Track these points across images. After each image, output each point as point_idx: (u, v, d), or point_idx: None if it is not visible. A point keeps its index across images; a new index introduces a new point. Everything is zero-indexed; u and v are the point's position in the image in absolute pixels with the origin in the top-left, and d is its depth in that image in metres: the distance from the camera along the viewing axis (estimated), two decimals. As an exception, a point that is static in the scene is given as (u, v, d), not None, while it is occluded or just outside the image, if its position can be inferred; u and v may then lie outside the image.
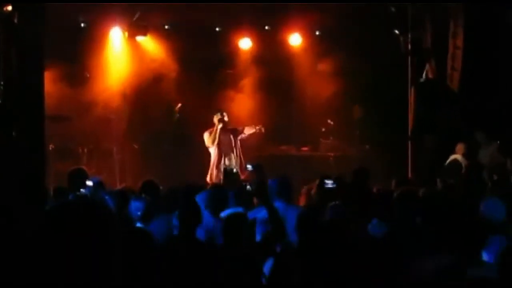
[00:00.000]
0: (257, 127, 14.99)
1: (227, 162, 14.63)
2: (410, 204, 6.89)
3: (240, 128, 14.95)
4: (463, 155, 13.16)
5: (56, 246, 3.21)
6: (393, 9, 15.61)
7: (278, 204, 8.12)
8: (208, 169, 14.74)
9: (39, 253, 3.25)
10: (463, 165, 12.22)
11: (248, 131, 14.96)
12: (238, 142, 14.85)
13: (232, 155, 14.72)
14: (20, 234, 4.04)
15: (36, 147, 11.75)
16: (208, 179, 14.42)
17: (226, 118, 14.69)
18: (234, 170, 14.15)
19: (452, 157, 13.16)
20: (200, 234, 7.12)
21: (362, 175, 10.29)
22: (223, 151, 14.69)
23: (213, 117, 14.73)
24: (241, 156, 14.74)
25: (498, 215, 7.16)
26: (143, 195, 8.98)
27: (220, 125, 14.56)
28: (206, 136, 14.70)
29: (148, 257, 5.36)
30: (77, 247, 3.18)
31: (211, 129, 14.73)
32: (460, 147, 13.39)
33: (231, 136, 14.78)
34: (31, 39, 12.35)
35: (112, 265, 3.26)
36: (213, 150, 14.71)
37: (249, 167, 12.22)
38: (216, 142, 14.62)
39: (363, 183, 9.92)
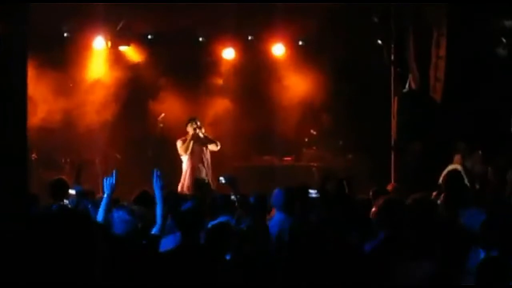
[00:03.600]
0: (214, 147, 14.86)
1: (197, 173, 14.59)
2: (396, 213, 6.92)
3: (215, 142, 14.83)
4: (462, 165, 13.12)
5: (39, 254, 3.19)
6: (376, 19, 15.66)
7: (280, 216, 8.17)
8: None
9: (21, 259, 3.23)
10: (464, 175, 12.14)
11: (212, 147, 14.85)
12: (208, 152, 14.82)
13: (202, 165, 14.68)
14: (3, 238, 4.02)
15: (19, 155, 11.69)
16: (179, 188, 14.35)
17: (202, 129, 14.67)
18: (206, 180, 14.14)
19: (451, 167, 13.05)
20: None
21: (344, 185, 10.30)
22: (194, 161, 14.66)
23: (186, 125, 14.76)
24: (210, 167, 14.70)
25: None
26: (125, 204, 8.91)
27: (194, 133, 14.56)
28: (179, 144, 14.72)
29: (128, 263, 5.35)
30: (59, 256, 3.18)
31: (184, 138, 14.75)
32: (458, 158, 13.35)
33: (203, 147, 14.76)
34: (15, 49, 12.30)
35: (94, 273, 3.26)
36: (185, 160, 14.70)
37: (221, 179, 12.18)
38: (189, 151, 14.62)
39: (345, 192, 9.94)
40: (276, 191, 8.92)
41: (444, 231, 6.33)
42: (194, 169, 14.60)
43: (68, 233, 3.25)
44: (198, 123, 14.76)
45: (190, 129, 14.70)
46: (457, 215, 7.61)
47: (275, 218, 8.50)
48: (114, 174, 7.88)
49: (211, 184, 13.79)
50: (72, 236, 3.25)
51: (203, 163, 14.70)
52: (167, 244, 7.23)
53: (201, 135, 14.71)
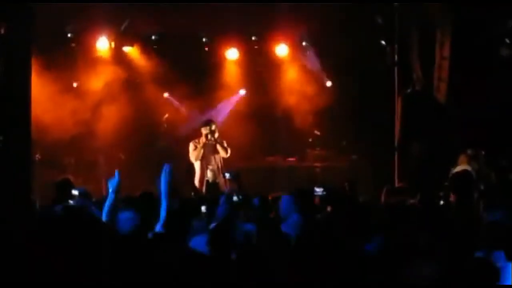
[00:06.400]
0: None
1: (209, 174, 14.41)
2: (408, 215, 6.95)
3: (225, 149, 14.59)
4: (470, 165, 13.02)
5: (45, 254, 3.19)
6: (380, 20, 15.65)
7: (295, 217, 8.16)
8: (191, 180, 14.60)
9: (27, 259, 3.23)
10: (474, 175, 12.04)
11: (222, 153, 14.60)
12: (219, 156, 14.55)
13: (213, 166, 14.44)
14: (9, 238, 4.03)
15: (22, 156, 11.71)
16: (192, 193, 14.24)
17: (216, 133, 14.45)
18: (216, 180, 14.08)
19: (460, 168, 12.88)
20: None
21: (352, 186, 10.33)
22: (205, 164, 14.46)
23: (201, 127, 14.57)
24: (220, 171, 14.45)
25: None
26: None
27: (205, 142, 14.36)
28: (191, 148, 14.43)
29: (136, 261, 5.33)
30: (66, 256, 3.17)
31: (196, 141, 14.49)
32: (463, 158, 13.26)
33: (214, 152, 14.50)
34: (19, 50, 12.31)
35: (100, 272, 3.25)
36: (197, 164, 14.50)
37: (227, 175, 12.10)
38: (199, 159, 14.40)
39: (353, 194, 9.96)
40: (283, 199, 8.87)
41: (451, 232, 6.33)
42: (204, 173, 14.42)
43: (75, 232, 3.25)
44: (213, 127, 14.43)
45: (204, 131, 14.46)
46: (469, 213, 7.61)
47: (291, 220, 8.43)
48: (116, 174, 7.85)
49: (222, 186, 13.75)
50: (79, 235, 3.24)
51: (213, 167, 14.44)
52: (197, 244, 7.13)
53: (212, 139, 14.46)
